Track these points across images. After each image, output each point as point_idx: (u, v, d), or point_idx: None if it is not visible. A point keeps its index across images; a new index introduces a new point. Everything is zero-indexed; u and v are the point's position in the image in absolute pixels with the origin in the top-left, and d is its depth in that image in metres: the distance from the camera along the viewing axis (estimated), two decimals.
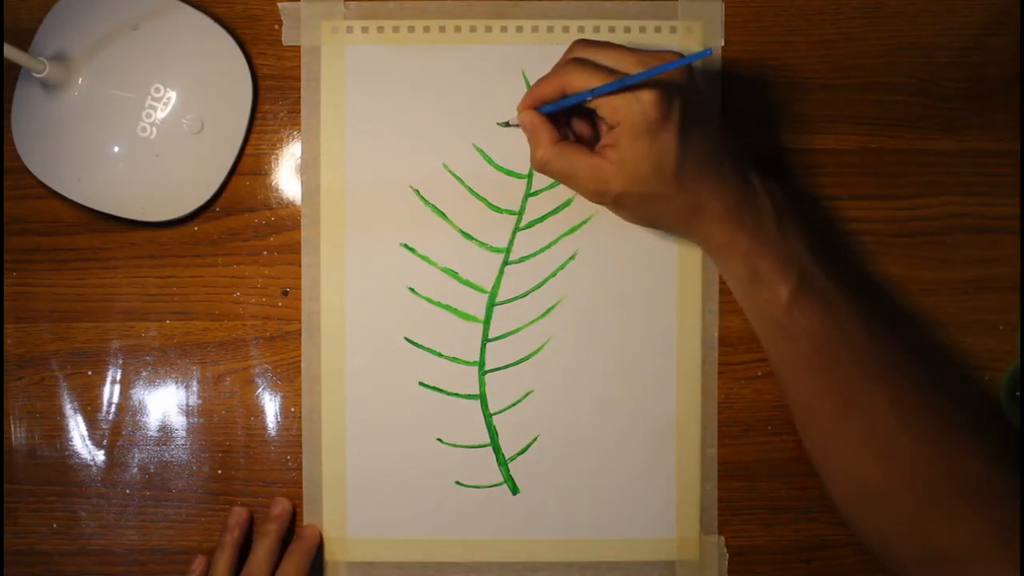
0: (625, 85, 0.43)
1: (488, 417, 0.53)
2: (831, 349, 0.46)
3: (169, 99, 0.51)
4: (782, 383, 0.48)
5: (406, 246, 0.53)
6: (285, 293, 0.54)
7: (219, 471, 0.54)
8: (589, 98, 0.45)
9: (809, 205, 0.53)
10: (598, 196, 0.47)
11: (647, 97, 0.43)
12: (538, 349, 0.54)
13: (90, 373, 0.54)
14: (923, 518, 0.43)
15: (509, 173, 0.54)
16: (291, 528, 0.53)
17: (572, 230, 0.54)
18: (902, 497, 0.44)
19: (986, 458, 0.44)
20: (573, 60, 0.46)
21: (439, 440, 0.53)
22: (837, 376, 0.46)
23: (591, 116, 0.48)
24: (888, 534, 0.45)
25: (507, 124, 0.53)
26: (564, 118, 0.48)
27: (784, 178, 0.53)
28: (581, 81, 0.45)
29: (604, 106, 0.45)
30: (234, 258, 0.54)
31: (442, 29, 0.53)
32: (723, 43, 0.54)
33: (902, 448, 0.44)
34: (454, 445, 0.53)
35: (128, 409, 0.54)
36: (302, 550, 0.52)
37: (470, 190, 0.54)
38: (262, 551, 0.51)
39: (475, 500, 0.53)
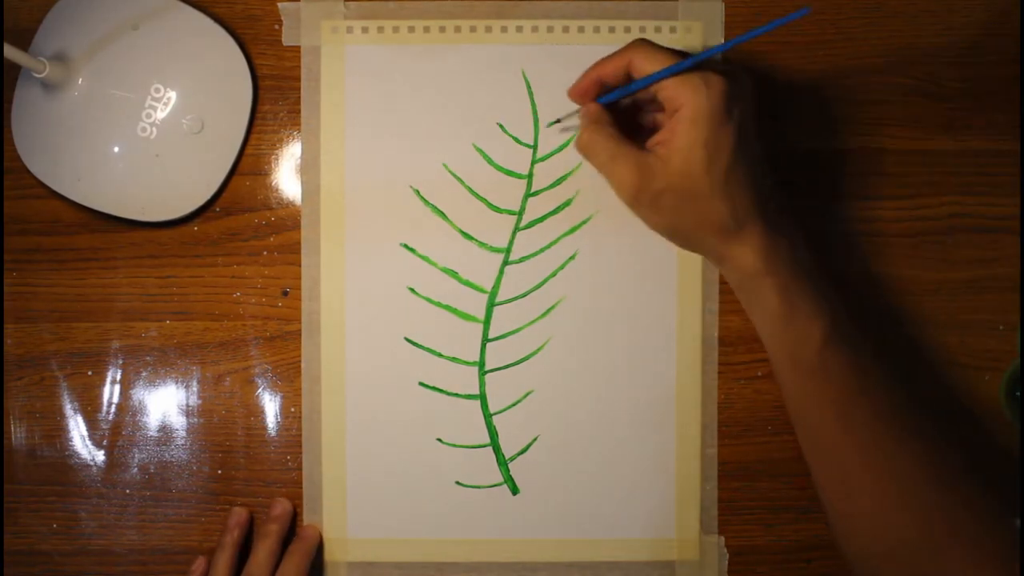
0: (698, 61, 0.42)
1: (488, 417, 0.53)
2: (859, 394, 0.44)
3: (169, 99, 0.51)
4: (802, 425, 0.47)
5: (406, 246, 0.53)
6: (285, 293, 0.54)
7: (219, 471, 0.54)
8: (659, 80, 0.43)
9: (809, 205, 0.53)
10: (636, 192, 0.44)
11: (717, 86, 0.42)
12: (538, 349, 0.54)
13: (90, 373, 0.54)
14: (934, 571, 0.43)
15: (509, 173, 0.54)
16: (292, 528, 0.53)
17: (572, 230, 0.54)
18: (917, 550, 0.43)
19: (996, 513, 0.43)
20: (638, 41, 0.44)
21: (439, 440, 0.53)
22: (863, 422, 0.44)
23: (640, 121, 0.47)
24: None
25: (557, 122, 0.52)
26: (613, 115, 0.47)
27: (784, 179, 0.53)
28: (648, 63, 0.43)
29: (667, 89, 0.43)
30: (234, 258, 0.54)
31: (442, 29, 0.53)
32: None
33: (922, 500, 0.43)
34: (454, 445, 0.53)
35: (128, 409, 0.54)
36: (302, 551, 0.52)
37: (470, 190, 0.54)
38: (263, 552, 0.51)
39: (475, 500, 0.53)
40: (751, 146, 0.44)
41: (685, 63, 0.42)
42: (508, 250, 0.54)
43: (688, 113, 0.42)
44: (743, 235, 0.44)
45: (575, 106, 0.47)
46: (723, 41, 0.53)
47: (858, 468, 0.44)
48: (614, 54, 0.45)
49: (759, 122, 0.45)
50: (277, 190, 0.54)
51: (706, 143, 0.42)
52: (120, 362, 0.54)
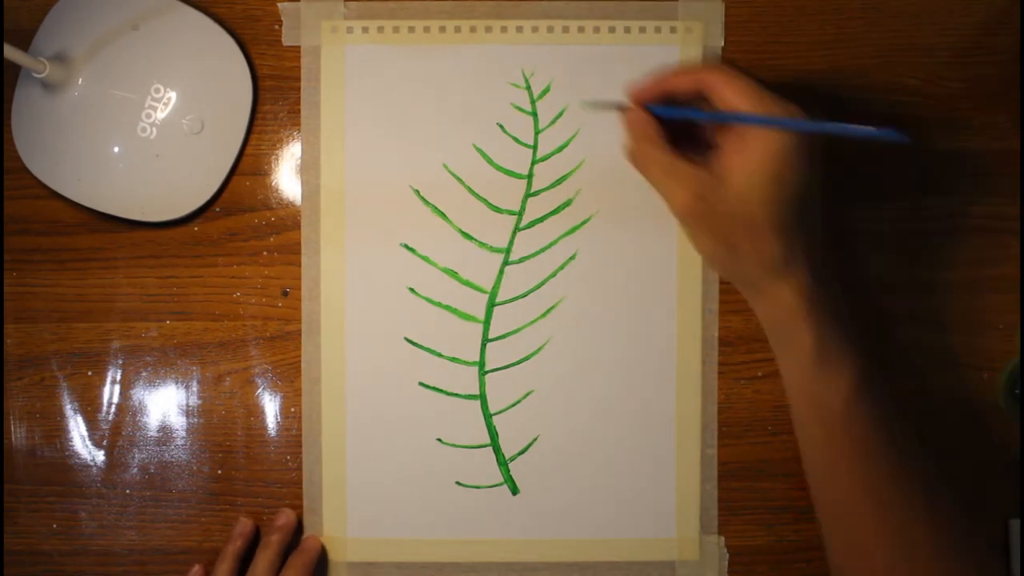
0: (785, 126, 0.41)
1: (488, 417, 0.53)
2: (879, 451, 0.43)
3: (169, 99, 0.51)
4: (818, 477, 0.46)
5: (406, 246, 0.53)
6: (285, 293, 0.54)
7: (219, 471, 0.54)
8: (747, 122, 0.41)
9: None
10: (691, 209, 0.43)
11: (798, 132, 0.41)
12: (538, 349, 0.53)
13: (90, 373, 0.54)
14: None
15: (509, 173, 0.54)
16: (295, 538, 0.53)
17: (572, 230, 0.54)
18: None
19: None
20: (721, 66, 0.43)
21: (439, 440, 0.53)
22: (879, 481, 0.43)
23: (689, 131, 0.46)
24: None
25: (594, 104, 0.50)
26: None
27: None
28: (732, 91, 0.41)
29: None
30: (234, 258, 0.54)
31: (442, 29, 0.53)
32: (723, 43, 0.54)
33: (934, 556, 0.43)
34: (454, 445, 0.53)
35: (128, 409, 0.54)
36: (302, 563, 0.51)
37: (470, 190, 0.54)
38: (264, 563, 0.51)
39: (475, 500, 0.53)
40: (813, 196, 0.43)
41: (781, 121, 0.41)
42: (508, 250, 0.54)
43: (766, 141, 0.41)
44: (788, 275, 0.43)
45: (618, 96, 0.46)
46: (722, 45, 0.53)
47: (871, 526, 0.43)
48: (689, 68, 0.43)
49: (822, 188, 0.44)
50: (277, 190, 0.54)
51: (777, 176, 0.41)
52: (120, 362, 0.54)
